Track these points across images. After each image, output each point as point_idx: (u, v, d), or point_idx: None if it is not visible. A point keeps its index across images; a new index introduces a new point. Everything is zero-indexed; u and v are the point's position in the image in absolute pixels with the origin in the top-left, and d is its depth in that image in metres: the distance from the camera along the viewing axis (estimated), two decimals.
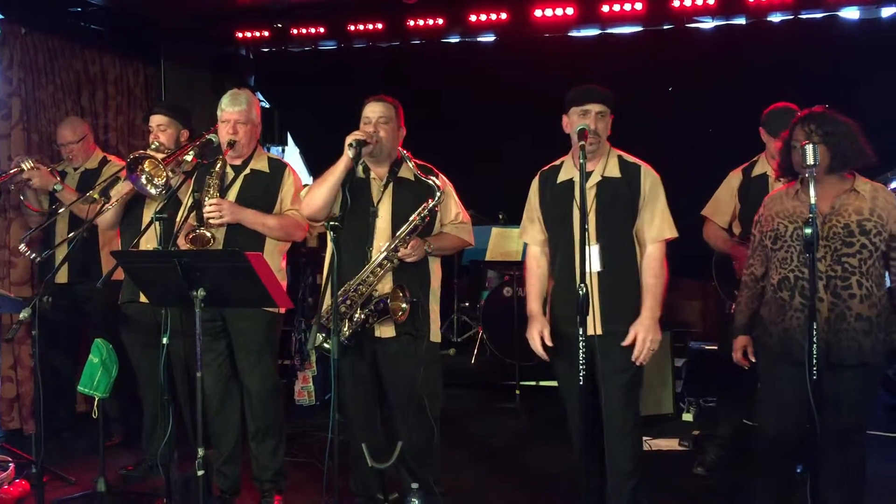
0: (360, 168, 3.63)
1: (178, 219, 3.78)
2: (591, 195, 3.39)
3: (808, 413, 3.02)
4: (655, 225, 3.43)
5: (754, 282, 3.45)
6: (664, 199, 3.47)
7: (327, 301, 3.47)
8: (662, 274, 3.42)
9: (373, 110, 3.62)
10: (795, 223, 3.19)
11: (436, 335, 3.68)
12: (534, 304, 3.56)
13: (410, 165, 3.60)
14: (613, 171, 3.46)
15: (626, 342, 3.33)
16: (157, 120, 4.24)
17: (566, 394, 3.54)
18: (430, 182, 3.51)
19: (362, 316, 3.47)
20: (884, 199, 3.17)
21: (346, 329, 3.49)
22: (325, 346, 3.46)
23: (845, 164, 3.15)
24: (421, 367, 3.48)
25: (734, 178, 4.38)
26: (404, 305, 3.43)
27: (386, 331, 3.55)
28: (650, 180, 3.45)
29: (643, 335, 3.31)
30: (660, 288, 3.40)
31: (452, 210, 3.73)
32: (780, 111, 4.12)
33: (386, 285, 3.52)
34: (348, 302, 3.49)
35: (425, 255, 3.58)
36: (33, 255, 4.62)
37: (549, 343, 3.46)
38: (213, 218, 3.65)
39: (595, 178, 3.43)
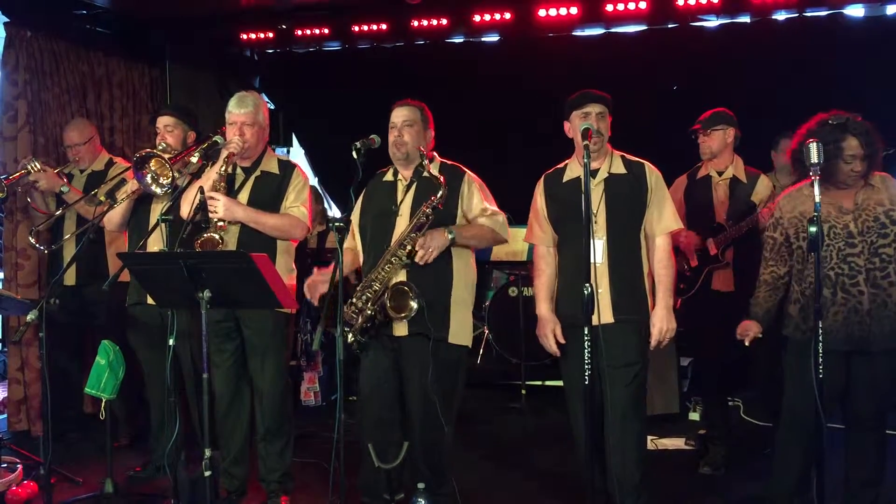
0: (389, 172, 3.74)
1: (187, 212, 3.76)
2: (598, 191, 3.52)
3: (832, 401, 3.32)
4: (664, 218, 3.58)
5: (776, 279, 3.56)
6: (668, 193, 3.64)
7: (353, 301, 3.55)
8: (671, 265, 3.58)
9: (397, 115, 3.66)
10: (828, 222, 3.33)
11: (457, 337, 3.61)
12: (543, 305, 3.65)
13: (433, 166, 3.63)
14: (619, 168, 3.60)
15: (652, 343, 3.49)
16: (164, 121, 4.25)
17: (571, 391, 3.61)
18: (436, 179, 3.52)
19: (370, 312, 3.48)
20: (894, 186, 3.39)
21: (358, 323, 3.50)
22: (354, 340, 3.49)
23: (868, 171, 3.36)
24: (429, 367, 3.45)
25: (680, 182, 4.58)
26: (413, 305, 3.40)
27: (400, 329, 3.55)
28: (655, 176, 3.60)
29: (660, 325, 3.48)
30: (670, 278, 3.56)
31: (476, 204, 3.66)
32: (716, 114, 4.45)
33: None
34: (364, 298, 3.50)
35: (448, 244, 3.50)
36: (41, 246, 4.67)
37: (561, 340, 3.57)
38: (211, 212, 3.66)
39: (602, 175, 3.56)
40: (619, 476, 3.43)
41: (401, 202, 3.62)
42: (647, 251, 3.59)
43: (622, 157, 3.63)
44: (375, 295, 3.49)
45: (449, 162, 3.73)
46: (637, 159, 3.64)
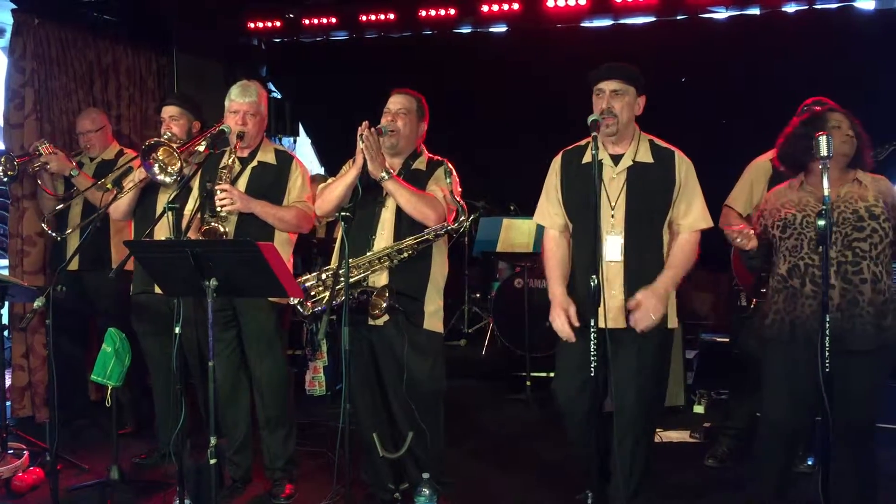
0: None
1: (188, 210, 3.79)
2: (620, 181, 3.26)
3: (818, 403, 3.02)
4: (692, 213, 3.31)
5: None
6: (699, 187, 3.34)
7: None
8: (691, 259, 3.30)
9: (393, 102, 3.66)
10: (804, 211, 3.21)
11: (431, 324, 3.61)
12: (557, 288, 3.33)
13: (420, 161, 3.65)
14: (645, 156, 3.30)
15: (631, 307, 3.17)
16: (169, 111, 4.25)
17: (565, 403, 3.44)
18: (427, 236, 3.52)
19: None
20: (886, 186, 3.22)
21: (325, 297, 3.49)
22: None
23: (857, 163, 3.23)
24: (403, 353, 3.47)
25: (762, 167, 4.19)
26: (384, 305, 3.43)
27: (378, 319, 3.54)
28: (685, 167, 3.30)
29: (643, 298, 3.15)
30: (682, 269, 3.27)
31: (437, 181, 3.62)
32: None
33: (380, 279, 3.52)
34: (340, 279, 3.46)
35: (378, 176, 3.45)
36: (54, 233, 4.69)
37: (575, 323, 3.24)
38: (224, 205, 3.66)
39: (626, 163, 3.28)
40: (622, 469, 3.35)
41: (387, 193, 3.56)
42: (669, 248, 3.31)
43: (651, 141, 3.32)
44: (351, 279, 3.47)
45: (436, 157, 3.73)
46: (667, 146, 3.34)
